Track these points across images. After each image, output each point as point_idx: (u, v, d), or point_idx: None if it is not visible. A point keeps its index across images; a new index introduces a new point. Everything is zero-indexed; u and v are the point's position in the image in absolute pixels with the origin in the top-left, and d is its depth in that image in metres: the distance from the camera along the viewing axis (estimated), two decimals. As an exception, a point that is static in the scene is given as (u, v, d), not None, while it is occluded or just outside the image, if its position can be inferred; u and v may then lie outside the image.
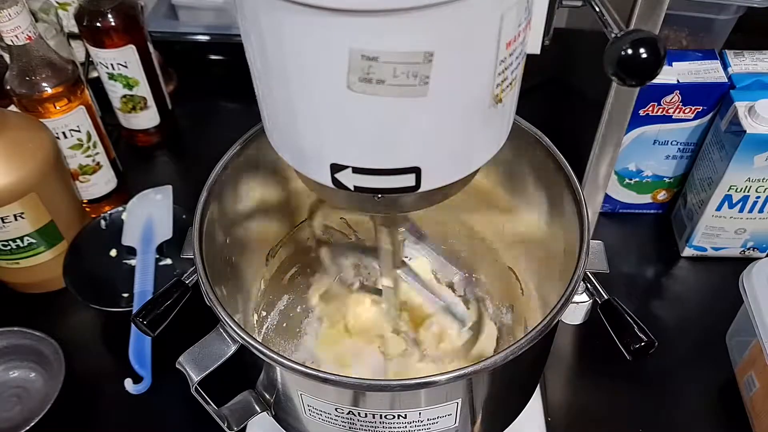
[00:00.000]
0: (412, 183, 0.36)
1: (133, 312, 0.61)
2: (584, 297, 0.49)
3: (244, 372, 0.50)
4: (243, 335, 0.43)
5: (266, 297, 0.63)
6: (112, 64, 0.77)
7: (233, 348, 0.43)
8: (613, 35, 0.32)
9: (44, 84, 0.67)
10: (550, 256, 0.56)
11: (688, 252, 0.72)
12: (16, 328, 0.65)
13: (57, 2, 0.82)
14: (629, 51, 0.31)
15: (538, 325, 0.43)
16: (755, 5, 0.66)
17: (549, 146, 0.52)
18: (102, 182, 0.77)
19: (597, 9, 0.36)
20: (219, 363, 0.44)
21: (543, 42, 0.37)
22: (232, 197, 0.54)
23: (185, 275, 0.49)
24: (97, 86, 0.81)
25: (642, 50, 0.31)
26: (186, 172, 0.85)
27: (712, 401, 0.62)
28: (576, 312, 0.51)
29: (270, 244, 0.62)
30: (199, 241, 0.48)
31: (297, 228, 0.64)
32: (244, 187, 0.56)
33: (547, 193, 0.54)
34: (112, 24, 0.74)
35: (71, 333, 0.69)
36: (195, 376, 0.44)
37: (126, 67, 0.77)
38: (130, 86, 0.79)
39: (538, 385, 0.60)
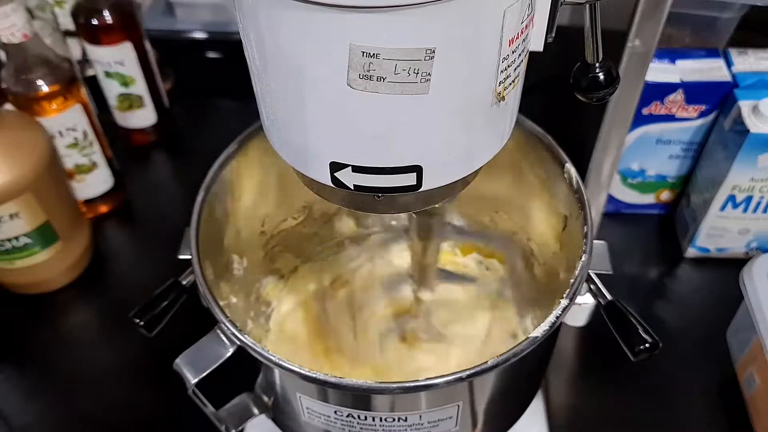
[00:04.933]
0: (413, 182, 0.35)
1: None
2: (588, 298, 0.49)
3: (242, 374, 0.49)
4: (241, 337, 0.42)
5: (264, 297, 0.63)
6: (108, 62, 0.76)
7: (231, 350, 0.43)
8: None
9: (40, 82, 0.66)
10: (553, 256, 0.55)
11: (691, 253, 0.72)
12: None
13: (53, 0, 0.81)
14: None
15: (540, 326, 0.42)
16: (758, 4, 0.66)
17: (552, 145, 0.52)
18: (98, 182, 0.76)
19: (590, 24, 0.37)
20: (217, 365, 0.43)
21: (546, 39, 0.37)
22: (229, 196, 0.54)
23: (182, 276, 0.49)
24: (93, 84, 0.80)
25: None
26: (183, 171, 0.85)
27: (713, 399, 0.62)
28: (579, 313, 0.51)
29: (268, 243, 0.62)
30: (196, 241, 0.48)
31: (296, 227, 0.63)
32: (242, 186, 0.55)
33: (549, 192, 0.54)
34: (109, 21, 0.74)
35: (67, 334, 0.68)
36: (192, 378, 0.43)
37: (122, 65, 0.77)
38: (126, 84, 0.79)
39: (541, 388, 0.60)
